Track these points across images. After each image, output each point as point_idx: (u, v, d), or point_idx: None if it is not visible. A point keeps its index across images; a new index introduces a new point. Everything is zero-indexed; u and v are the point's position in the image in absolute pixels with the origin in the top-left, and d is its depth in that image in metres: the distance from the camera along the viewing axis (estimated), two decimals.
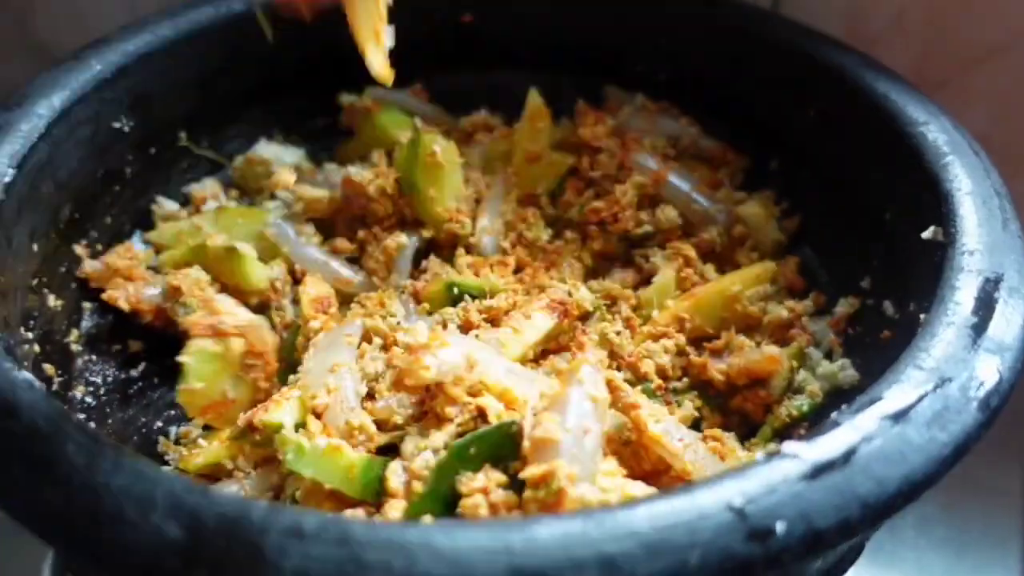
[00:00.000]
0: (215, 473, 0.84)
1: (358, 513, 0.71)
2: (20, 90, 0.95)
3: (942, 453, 0.61)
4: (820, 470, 0.59)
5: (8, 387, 0.63)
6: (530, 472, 0.68)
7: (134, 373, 1.00)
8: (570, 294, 0.97)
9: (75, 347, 0.96)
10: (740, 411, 0.95)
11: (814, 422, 0.93)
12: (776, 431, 0.92)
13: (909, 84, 1.00)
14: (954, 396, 0.65)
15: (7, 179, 0.85)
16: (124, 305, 0.98)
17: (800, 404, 0.92)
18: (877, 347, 0.94)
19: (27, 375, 0.64)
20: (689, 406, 0.93)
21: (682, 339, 0.97)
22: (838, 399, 0.93)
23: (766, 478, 0.58)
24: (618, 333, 0.95)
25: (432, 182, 1.07)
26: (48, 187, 0.93)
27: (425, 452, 0.73)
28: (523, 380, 0.82)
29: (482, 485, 0.69)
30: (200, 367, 0.93)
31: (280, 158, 1.17)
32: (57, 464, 0.58)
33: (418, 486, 0.71)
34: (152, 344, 1.01)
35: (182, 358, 0.93)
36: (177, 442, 0.93)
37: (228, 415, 0.93)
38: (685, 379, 0.96)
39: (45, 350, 0.90)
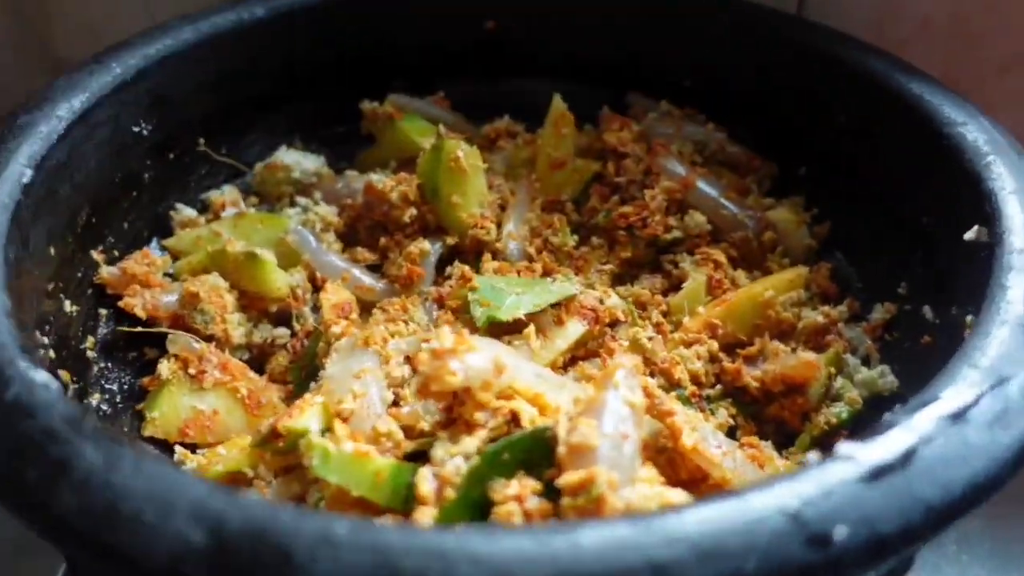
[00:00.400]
0: (235, 482, 0.81)
1: (387, 521, 0.68)
2: (39, 92, 0.93)
3: (1006, 455, 0.58)
4: (879, 473, 0.56)
5: (26, 387, 0.60)
6: (567, 479, 0.65)
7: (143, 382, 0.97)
8: (601, 301, 0.94)
9: (91, 354, 0.93)
10: (776, 419, 0.92)
11: (854, 430, 0.90)
12: (815, 439, 0.89)
13: (943, 85, 0.98)
14: (1014, 396, 0.62)
15: (25, 179, 0.83)
16: (141, 312, 0.96)
17: (839, 411, 0.89)
18: (917, 353, 0.91)
19: (45, 375, 0.62)
20: (723, 414, 0.90)
21: (714, 345, 0.95)
22: (878, 406, 0.90)
23: (821, 481, 0.55)
24: (650, 339, 0.92)
25: (455, 188, 1.05)
26: (65, 189, 0.91)
27: (456, 458, 0.70)
28: (553, 385, 0.79)
29: (516, 492, 0.66)
30: (163, 396, 0.90)
31: (301, 164, 1.15)
32: (75, 466, 0.55)
33: (450, 493, 0.68)
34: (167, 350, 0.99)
35: (148, 384, 0.92)
36: (194, 450, 0.90)
37: (213, 428, 0.90)
38: (718, 386, 0.93)
39: (61, 356, 0.87)
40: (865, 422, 0.90)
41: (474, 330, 0.88)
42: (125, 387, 0.94)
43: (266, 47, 1.15)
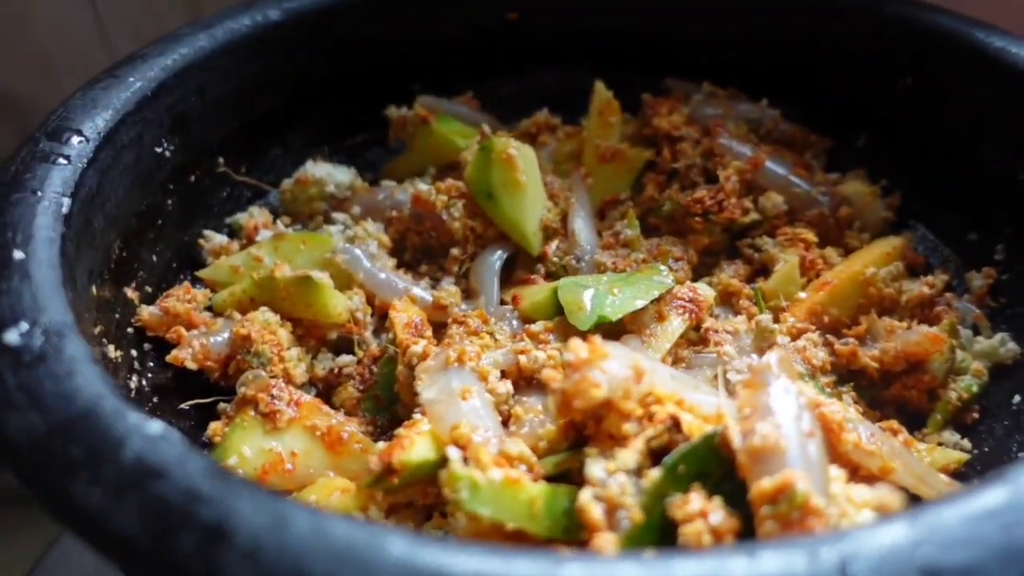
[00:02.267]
0: None
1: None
2: (54, 112, 0.83)
3: None
4: None
5: (148, 443, 0.50)
6: (761, 487, 0.57)
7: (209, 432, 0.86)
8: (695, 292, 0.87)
9: (143, 404, 0.82)
10: (897, 401, 0.86)
11: (985, 405, 0.84)
12: (947, 417, 0.83)
13: (1019, 35, 0.94)
14: None
15: (65, 209, 0.72)
16: (192, 364, 0.86)
17: (968, 385, 0.84)
18: None
19: (160, 425, 0.52)
20: (849, 400, 0.84)
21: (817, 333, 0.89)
22: (1003, 376, 0.86)
23: None
24: (774, 321, 0.85)
25: (511, 190, 0.97)
26: (99, 221, 0.81)
27: (617, 475, 0.62)
28: (688, 386, 0.72)
29: (699, 508, 0.59)
30: (235, 440, 0.80)
31: (333, 178, 1.06)
32: (236, 529, 0.45)
33: (624, 515, 0.60)
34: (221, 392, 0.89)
35: (213, 434, 0.83)
36: None
37: (295, 472, 0.80)
38: (832, 374, 0.87)
39: None
40: (994, 394, 0.85)
41: (576, 336, 0.80)
42: (188, 437, 0.83)
43: (281, 53, 1.06)
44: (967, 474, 0.79)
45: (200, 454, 0.50)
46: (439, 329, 0.91)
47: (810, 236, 0.96)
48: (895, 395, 0.86)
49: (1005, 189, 0.92)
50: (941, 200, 1.01)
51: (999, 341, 0.87)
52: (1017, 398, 0.83)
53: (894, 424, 0.80)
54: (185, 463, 0.49)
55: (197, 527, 0.46)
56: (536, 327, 0.86)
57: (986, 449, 0.81)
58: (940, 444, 0.82)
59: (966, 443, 0.82)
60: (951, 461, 0.79)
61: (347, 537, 0.44)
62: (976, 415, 0.84)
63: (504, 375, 0.81)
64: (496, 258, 0.98)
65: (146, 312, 0.87)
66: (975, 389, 0.84)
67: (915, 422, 0.85)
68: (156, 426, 0.51)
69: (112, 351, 0.81)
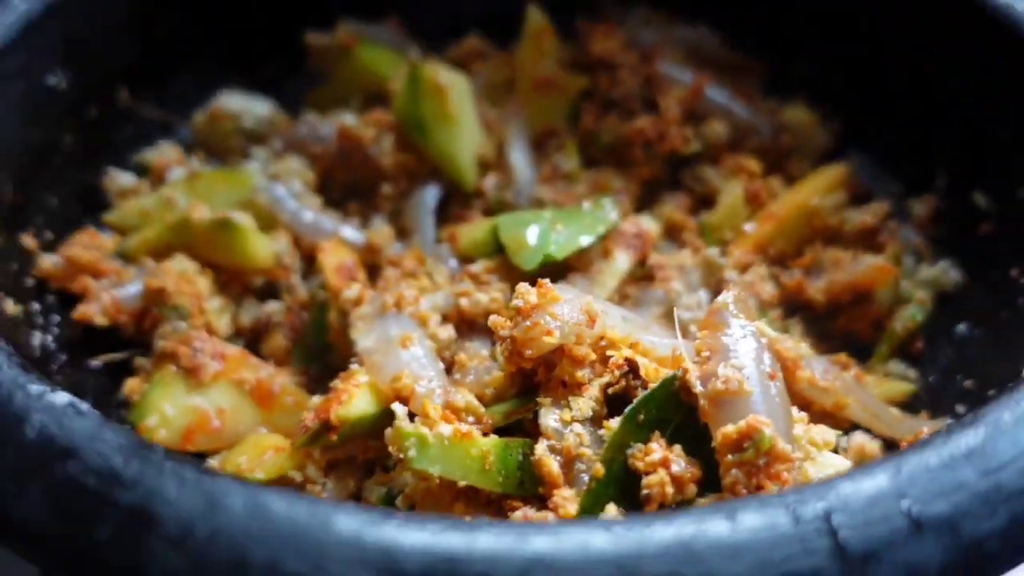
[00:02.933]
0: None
1: (521, 513, 0.56)
2: None
3: None
4: None
5: (53, 417, 0.44)
6: (726, 433, 0.55)
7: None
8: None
9: (49, 362, 0.75)
10: (844, 332, 0.85)
11: (930, 334, 0.84)
12: (893, 348, 0.83)
13: None
14: None
15: None
16: (102, 320, 0.79)
17: (913, 314, 0.83)
18: (976, 243, 0.86)
19: (65, 395, 0.46)
20: (797, 334, 0.82)
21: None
22: (946, 305, 0.85)
23: None
24: (721, 255, 0.83)
25: (443, 121, 0.91)
26: None
27: (573, 425, 0.59)
28: (640, 327, 0.68)
29: (661, 457, 0.56)
30: (155, 398, 0.74)
31: (250, 110, 0.98)
32: (162, 516, 0.40)
33: (582, 467, 0.57)
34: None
35: (130, 392, 0.77)
36: (202, 459, 0.74)
37: (223, 430, 0.75)
38: (779, 308, 0.85)
39: None
40: (938, 323, 0.84)
41: (519, 276, 0.76)
42: (102, 396, 0.77)
43: None
44: (914, 405, 0.79)
45: (115, 427, 0.44)
46: (372, 272, 0.86)
47: (753, 165, 0.93)
48: (842, 327, 0.85)
49: (945, 114, 0.91)
50: (881, 126, 0.98)
51: (942, 269, 0.86)
52: (960, 327, 0.83)
53: (844, 358, 0.78)
54: (97, 439, 0.43)
55: (115, 513, 0.40)
56: (476, 267, 0.81)
57: (931, 379, 0.81)
58: (887, 375, 0.81)
59: (912, 373, 0.82)
60: (898, 393, 0.79)
61: (289, 516, 0.40)
62: (920, 344, 0.83)
63: (445, 319, 0.77)
64: (430, 194, 0.92)
65: (47, 262, 0.79)
66: (919, 318, 0.83)
67: (862, 353, 0.84)
68: (62, 397, 0.45)
69: (11, 306, 0.74)
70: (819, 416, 0.70)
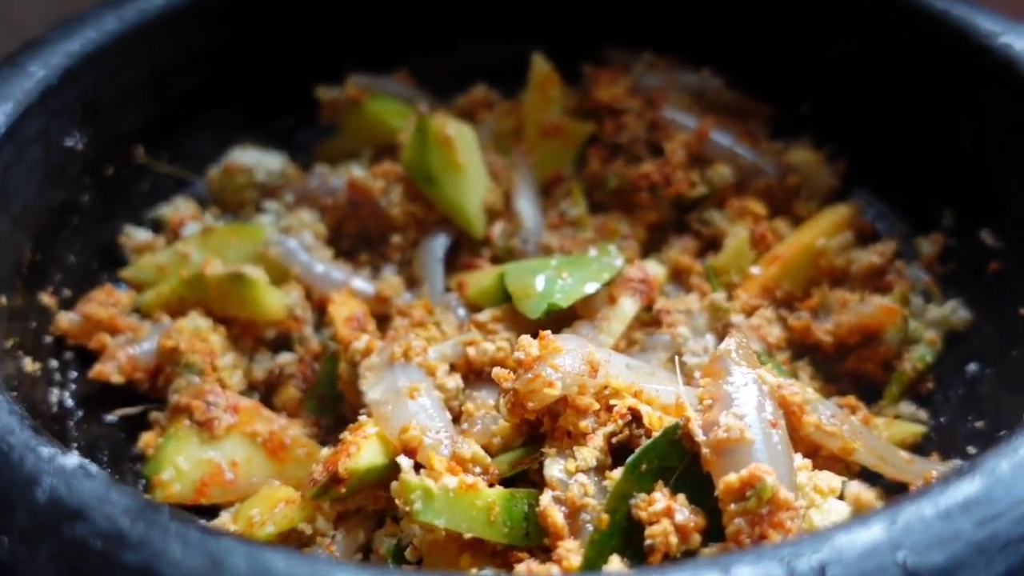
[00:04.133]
0: (292, 542, 0.68)
1: (525, 566, 0.56)
2: None
3: None
4: None
5: (63, 480, 0.45)
6: (727, 483, 0.55)
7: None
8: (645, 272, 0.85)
9: (67, 419, 0.77)
10: (852, 374, 0.85)
11: (940, 374, 0.84)
12: (903, 389, 0.82)
13: None
14: None
15: None
16: (118, 378, 0.80)
17: (923, 354, 0.83)
18: (984, 282, 0.86)
19: (76, 458, 0.47)
20: (805, 377, 0.82)
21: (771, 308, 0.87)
22: (956, 344, 0.85)
23: None
24: (727, 298, 0.83)
25: (450, 171, 0.93)
26: (5, 224, 0.75)
27: (578, 476, 0.59)
28: (644, 375, 0.69)
29: (664, 507, 0.56)
30: (170, 452, 0.75)
31: (263, 164, 1.00)
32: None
33: (587, 518, 0.57)
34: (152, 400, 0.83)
35: (145, 446, 0.78)
36: (215, 513, 0.75)
37: (236, 483, 0.76)
38: (787, 350, 0.85)
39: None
40: (948, 363, 0.84)
41: (525, 324, 0.77)
42: (117, 450, 0.78)
43: (200, 32, 0.99)
44: (925, 446, 0.78)
45: (122, 489, 0.45)
46: (382, 321, 0.87)
47: (759, 208, 0.94)
48: (851, 368, 0.85)
49: (951, 152, 0.91)
50: (887, 165, 0.99)
51: (951, 308, 0.86)
52: (970, 366, 0.82)
53: (852, 400, 0.78)
54: (105, 500, 0.44)
55: (121, 574, 0.41)
56: (483, 316, 0.82)
57: (942, 419, 0.81)
58: (897, 416, 0.81)
59: (922, 414, 0.81)
60: (908, 434, 0.78)
61: (290, 575, 0.40)
62: (931, 385, 0.83)
63: (453, 368, 0.78)
64: (439, 244, 0.94)
65: (65, 319, 0.81)
66: (929, 359, 0.83)
67: (871, 394, 0.84)
68: (72, 459, 0.47)
69: (29, 364, 0.76)
70: (827, 460, 0.70)
